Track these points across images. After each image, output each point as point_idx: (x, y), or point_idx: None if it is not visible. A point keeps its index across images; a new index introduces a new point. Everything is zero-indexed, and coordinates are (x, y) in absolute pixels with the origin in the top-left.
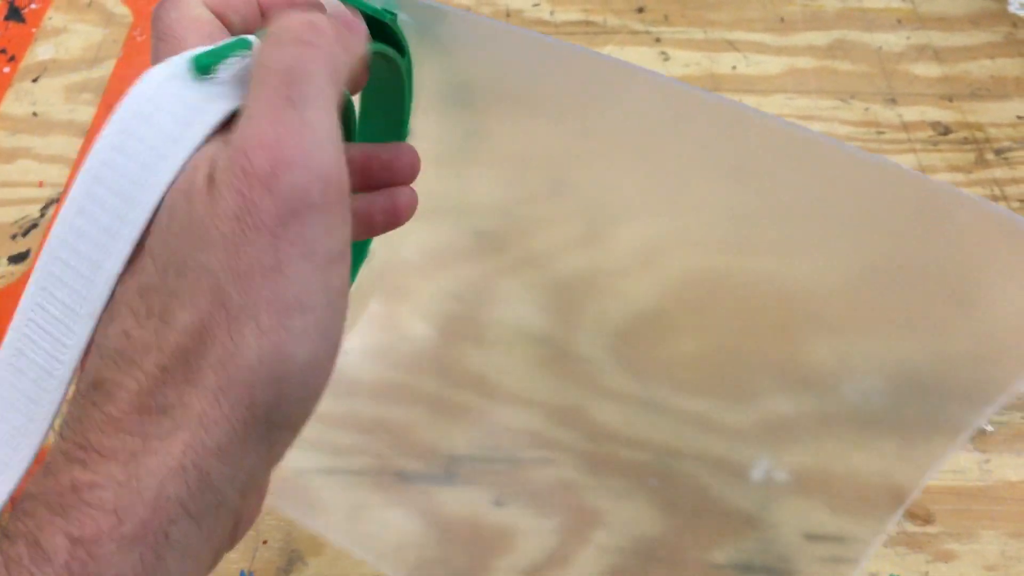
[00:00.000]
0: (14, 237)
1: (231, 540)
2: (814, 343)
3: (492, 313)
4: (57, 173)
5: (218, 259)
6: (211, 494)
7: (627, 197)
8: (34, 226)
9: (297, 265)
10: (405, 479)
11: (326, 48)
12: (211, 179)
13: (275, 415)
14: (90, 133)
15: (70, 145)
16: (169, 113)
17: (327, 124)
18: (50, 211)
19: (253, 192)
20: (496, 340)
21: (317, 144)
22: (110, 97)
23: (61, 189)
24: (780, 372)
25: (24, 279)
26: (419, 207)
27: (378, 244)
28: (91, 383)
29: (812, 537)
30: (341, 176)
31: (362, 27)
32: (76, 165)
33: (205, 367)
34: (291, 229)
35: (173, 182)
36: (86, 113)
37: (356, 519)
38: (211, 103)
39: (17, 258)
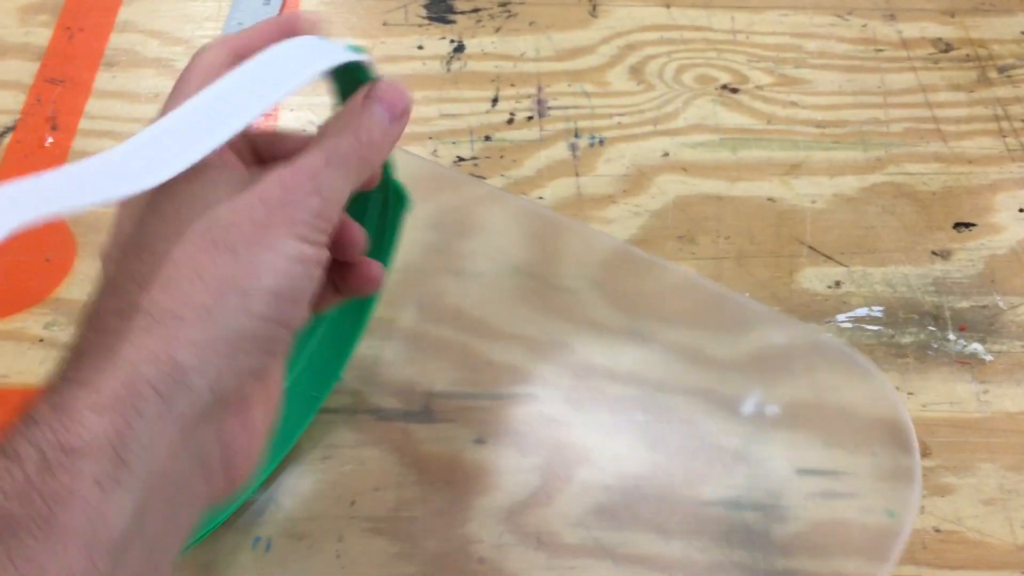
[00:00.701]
0: None
1: (225, 474)
2: (808, 271)
3: (467, 244)
4: (12, 100)
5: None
6: (182, 381)
7: None
8: None
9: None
10: (381, 417)
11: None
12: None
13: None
14: (46, 57)
15: (25, 69)
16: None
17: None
18: (6, 138)
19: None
20: (477, 270)
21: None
22: (66, 19)
23: (17, 116)
24: (775, 301)
25: None
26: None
27: None
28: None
29: (804, 472)
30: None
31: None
32: (31, 90)
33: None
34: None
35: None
36: (42, 36)
37: (331, 459)
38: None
39: None
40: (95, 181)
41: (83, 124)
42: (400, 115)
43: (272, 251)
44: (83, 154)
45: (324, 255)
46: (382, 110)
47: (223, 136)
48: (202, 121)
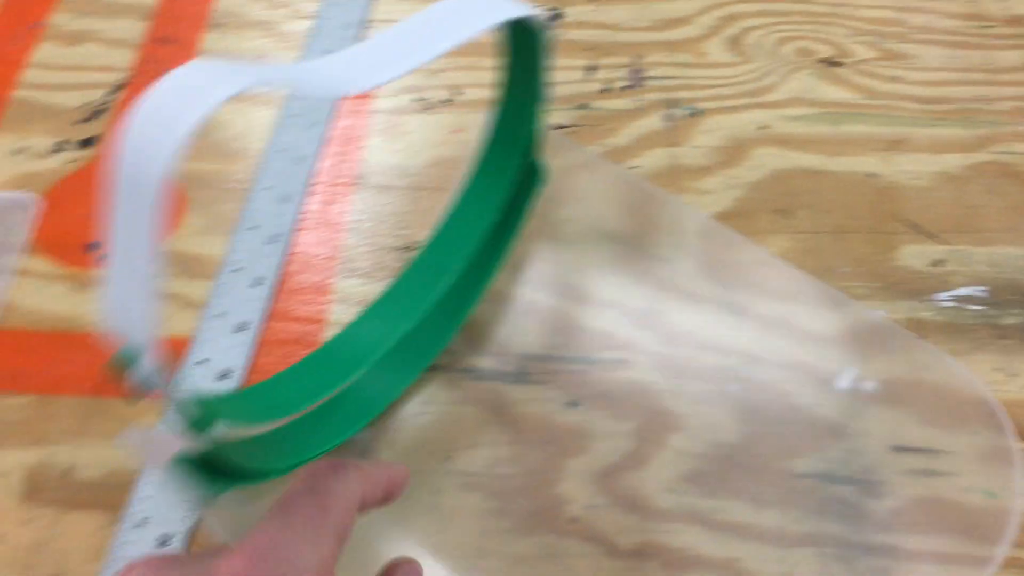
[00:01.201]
0: (81, 122)
1: None
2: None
3: (565, 211)
4: (122, 57)
5: None
6: None
7: None
8: (101, 110)
9: None
10: (476, 377)
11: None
12: None
13: None
14: (155, 17)
15: (135, 29)
16: None
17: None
18: (117, 95)
19: None
20: (572, 237)
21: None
22: None
23: (127, 74)
24: (873, 278)
25: (94, 162)
26: None
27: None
28: None
29: (900, 449)
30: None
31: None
32: (141, 49)
33: None
34: None
35: None
36: None
37: (427, 415)
38: None
39: (85, 142)
40: (309, 78)
41: None
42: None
43: None
44: None
45: None
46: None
47: (419, 61)
48: (401, 45)
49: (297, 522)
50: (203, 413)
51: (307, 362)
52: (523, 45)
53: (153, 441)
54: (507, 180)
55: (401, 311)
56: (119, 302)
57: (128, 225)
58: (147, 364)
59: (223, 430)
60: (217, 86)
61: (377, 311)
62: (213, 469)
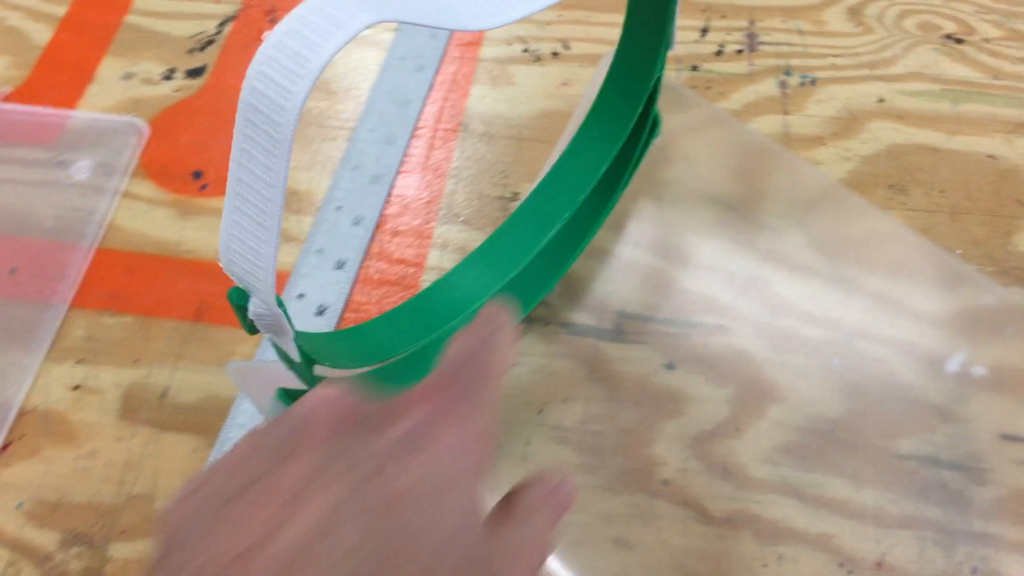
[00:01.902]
0: (191, 52)
1: None
2: None
3: (671, 171)
4: None
5: None
6: None
7: None
8: (211, 42)
9: None
10: (573, 332)
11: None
12: None
13: None
14: None
15: None
16: None
17: None
18: (227, 27)
19: None
20: (677, 198)
21: None
22: None
23: (238, 7)
24: (988, 261)
25: (202, 92)
26: None
27: None
28: None
29: (1009, 438)
30: None
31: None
32: None
33: None
34: None
35: None
36: None
37: (522, 365)
38: None
39: (194, 72)
40: (444, 10)
41: None
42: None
43: None
44: None
45: None
46: (548, 519)
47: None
48: None
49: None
50: (308, 353)
51: (407, 306)
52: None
53: (256, 374)
54: (623, 129)
55: (503, 259)
56: (239, 241)
57: (254, 163)
58: (261, 304)
59: (324, 369)
60: (354, 16)
61: (479, 257)
62: None
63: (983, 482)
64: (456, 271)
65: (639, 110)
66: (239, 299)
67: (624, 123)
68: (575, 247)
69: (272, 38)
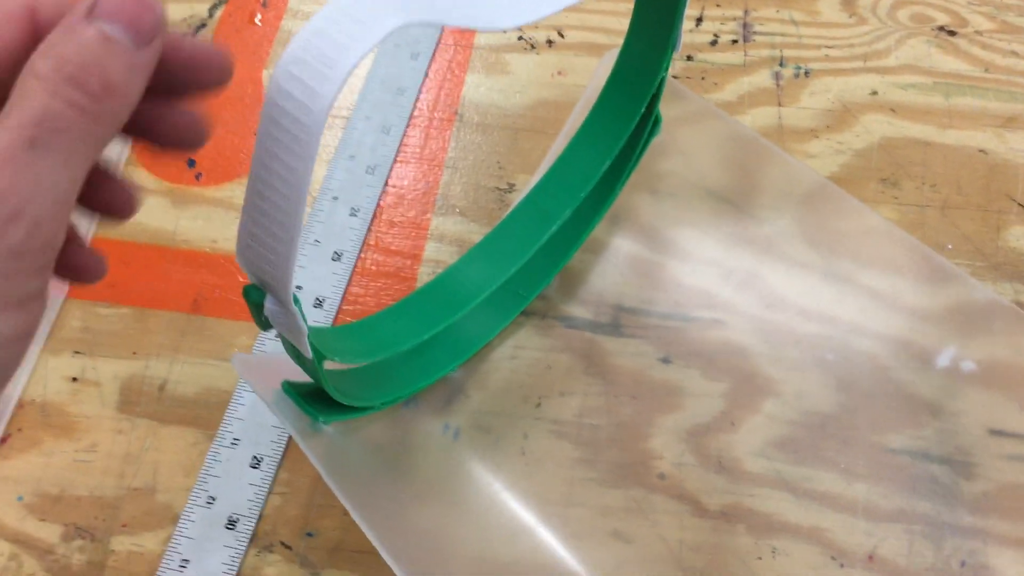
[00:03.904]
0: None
1: None
2: (1017, 229)
3: (667, 163)
4: None
5: None
6: None
7: None
8: (203, 25)
9: None
10: (570, 325)
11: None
12: None
13: None
14: None
15: None
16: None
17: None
18: (219, 11)
19: None
20: (672, 190)
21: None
22: None
23: None
24: (978, 256)
25: None
26: None
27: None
28: None
29: (997, 433)
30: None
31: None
32: None
33: None
34: None
35: None
36: None
37: (518, 359)
38: None
39: None
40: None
41: (292, 3)
42: (148, 34)
43: None
44: (292, 35)
45: (31, 321)
46: (120, 31)
47: None
48: None
49: None
50: (319, 349)
51: (412, 300)
52: None
53: (262, 367)
54: (626, 127)
55: (505, 253)
56: (257, 240)
57: (277, 163)
58: (277, 302)
59: (331, 363)
60: (383, 18)
61: (481, 252)
62: (316, 400)
63: (972, 476)
64: (458, 265)
65: (642, 110)
66: (256, 296)
67: (627, 122)
68: (574, 242)
69: (300, 37)
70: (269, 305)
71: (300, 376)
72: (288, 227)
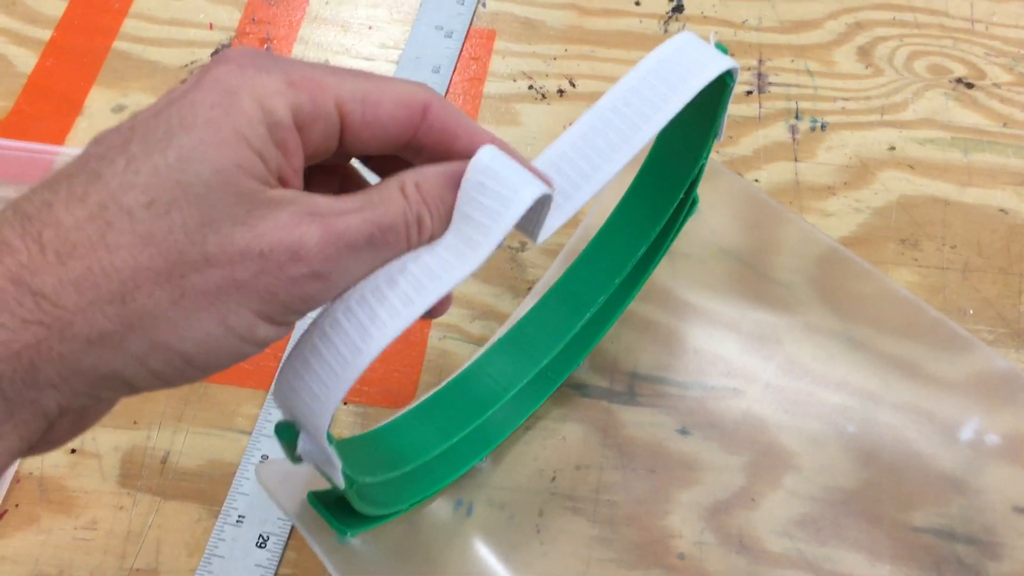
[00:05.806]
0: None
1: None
2: None
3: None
4: (228, 16)
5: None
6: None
7: None
8: None
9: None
10: (585, 394)
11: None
12: None
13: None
14: None
15: None
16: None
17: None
18: None
19: None
20: (688, 249)
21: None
22: None
23: (232, 34)
24: (1000, 323)
25: None
26: None
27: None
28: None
29: (1022, 511)
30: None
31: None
32: (247, 8)
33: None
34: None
35: None
36: None
37: (533, 429)
38: None
39: None
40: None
41: (296, 49)
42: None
43: (214, 316)
44: None
45: (283, 335)
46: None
47: (635, 147)
48: (617, 128)
49: None
50: (350, 475)
51: (438, 397)
52: (708, 89)
53: (287, 478)
54: (663, 212)
55: (535, 344)
56: (303, 381)
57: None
58: (309, 442)
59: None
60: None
61: (510, 342)
62: (342, 512)
63: (997, 557)
64: (486, 357)
65: (680, 195)
66: (288, 436)
67: (664, 206)
68: (606, 323)
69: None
70: (303, 444)
71: (324, 483)
72: (344, 379)
